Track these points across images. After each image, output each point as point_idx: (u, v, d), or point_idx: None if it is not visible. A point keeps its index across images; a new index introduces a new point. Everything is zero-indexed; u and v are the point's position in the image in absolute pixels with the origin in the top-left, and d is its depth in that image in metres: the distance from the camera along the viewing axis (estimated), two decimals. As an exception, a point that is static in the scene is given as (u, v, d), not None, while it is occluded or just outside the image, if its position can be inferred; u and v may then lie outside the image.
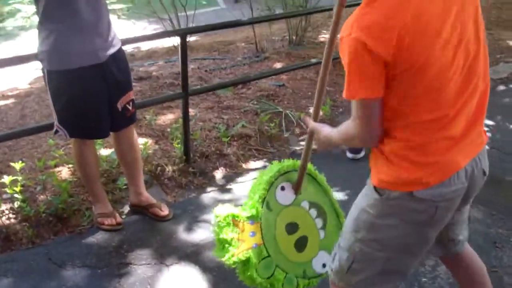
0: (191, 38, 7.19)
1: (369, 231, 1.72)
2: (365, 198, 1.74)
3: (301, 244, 2.28)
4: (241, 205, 2.23)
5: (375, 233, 1.72)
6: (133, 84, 4.89)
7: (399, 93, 1.54)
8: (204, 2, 8.49)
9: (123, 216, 3.18)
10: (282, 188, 2.27)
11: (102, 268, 2.76)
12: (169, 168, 3.65)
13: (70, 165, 3.51)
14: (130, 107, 2.92)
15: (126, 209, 3.26)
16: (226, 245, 2.08)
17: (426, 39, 1.48)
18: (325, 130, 1.90)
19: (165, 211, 3.15)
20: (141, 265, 2.78)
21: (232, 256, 2.05)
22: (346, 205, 3.26)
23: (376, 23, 1.47)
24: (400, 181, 1.62)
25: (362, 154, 3.89)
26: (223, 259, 2.08)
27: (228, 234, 2.08)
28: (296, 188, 2.29)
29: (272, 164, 2.33)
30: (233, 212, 2.14)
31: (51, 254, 2.85)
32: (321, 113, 4.53)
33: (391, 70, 1.50)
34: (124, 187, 3.38)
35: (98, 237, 3.00)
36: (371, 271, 1.77)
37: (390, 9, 1.47)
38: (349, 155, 3.90)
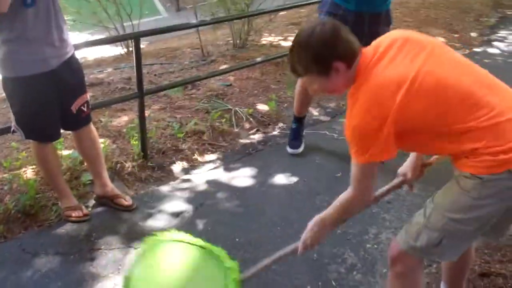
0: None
1: (467, 211, 1.87)
2: (461, 185, 1.87)
3: None
4: None
5: (472, 213, 1.87)
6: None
7: None
8: (146, 12, 8.70)
9: (89, 209, 3.38)
10: None
11: (75, 254, 2.97)
12: (128, 164, 3.86)
13: (34, 166, 3.68)
14: (84, 109, 3.14)
15: (92, 202, 3.46)
16: None
17: None
18: (317, 223, 2.13)
19: (128, 201, 3.40)
20: (111, 250, 3.00)
21: None
22: (287, 195, 3.62)
23: None
24: (500, 163, 1.77)
25: (301, 149, 4.12)
26: None
27: None
28: None
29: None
30: None
31: (24, 245, 3.03)
32: (267, 108, 4.87)
33: None
34: (88, 182, 3.58)
35: (67, 228, 3.19)
36: (457, 243, 1.98)
37: None
38: (289, 150, 4.11)
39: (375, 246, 3.04)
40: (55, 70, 2.91)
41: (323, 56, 1.87)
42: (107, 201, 3.39)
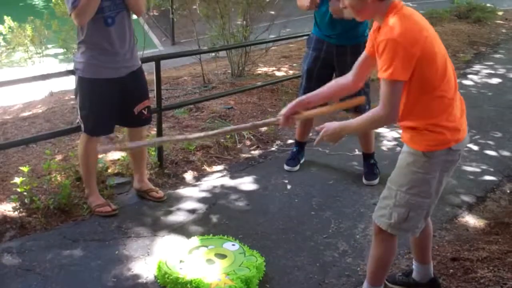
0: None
1: (421, 185, 2.46)
2: (412, 164, 2.45)
3: None
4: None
5: (425, 186, 2.46)
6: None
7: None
8: (142, 45, 9.33)
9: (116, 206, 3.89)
10: None
11: (109, 240, 3.49)
12: (146, 172, 4.39)
13: (66, 170, 4.19)
14: (145, 112, 3.81)
15: (117, 201, 3.98)
16: None
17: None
18: (339, 123, 2.53)
19: (160, 193, 4.00)
20: (140, 237, 3.52)
21: None
22: (286, 197, 4.26)
23: None
24: (443, 142, 2.39)
25: (297, 168, 4.63)
26: None
27: None
28: None
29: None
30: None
31: (65, 234, 3.54)
32: (265, 127, 5.43)
33: None
34: (113, 185, 4.11)
35: (100, 221, 3.70)
36: (421, 215, 2.54)
37: None
38: (285, 167, 4.62)
39: (363, 237, 3.58)
40: (123, 78, 3.61)
41: None
42: (144, 194, 4.02)
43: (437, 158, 2.43)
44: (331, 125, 2.53)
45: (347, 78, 2.72)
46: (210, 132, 2.97)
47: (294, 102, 2.75)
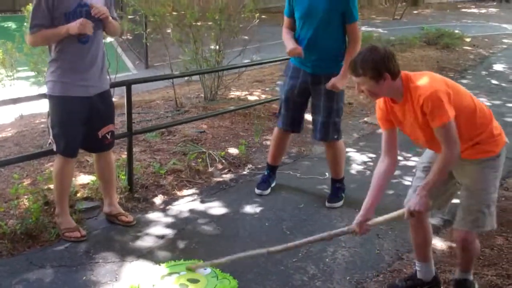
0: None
1: (496, 183, 2.87)
2: (489, 169, 2.82)
3: None
4: None
5: (497, 182, 2.89)
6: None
7: None
8: (115, 69, 9.28)
9: (85, 231, 3.85)
10: None
11: (77, 266, 3.44)
12: (116, 196, 4.36)
13: (35, 195, 4.14)
14: (108, 137, 3.80)
15: (86, 225, 3.94)
16: None
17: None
18: (425, 189, 2.75)
19: (129, 218, 3.98)
20: (108, 263, 3.49)
21: None
22: (257, 222, 4.30)
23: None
24: (502, 141, 2.85)
25: (268, 191, 4.63)
26: None
27: None
28: None
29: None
30: None
31: (31, 259, 3.49)
32: (237, 151, 5.45)
33: None
34: (83, 209, 4.07)
35: (67, 246, 3.66)
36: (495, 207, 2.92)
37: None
38: (256, 190, 4.62)
39: (333, 260, 3.61)
40: (91, 98, 3.62)
41: (380, 66, 2.63)
42: (113, 218, 3.98)
43: (503, 154, 2.86)
44: (414, 199, 2.77)
45: (386, 163, 2.95)
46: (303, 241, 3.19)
47: (362, 210, 2.96)
